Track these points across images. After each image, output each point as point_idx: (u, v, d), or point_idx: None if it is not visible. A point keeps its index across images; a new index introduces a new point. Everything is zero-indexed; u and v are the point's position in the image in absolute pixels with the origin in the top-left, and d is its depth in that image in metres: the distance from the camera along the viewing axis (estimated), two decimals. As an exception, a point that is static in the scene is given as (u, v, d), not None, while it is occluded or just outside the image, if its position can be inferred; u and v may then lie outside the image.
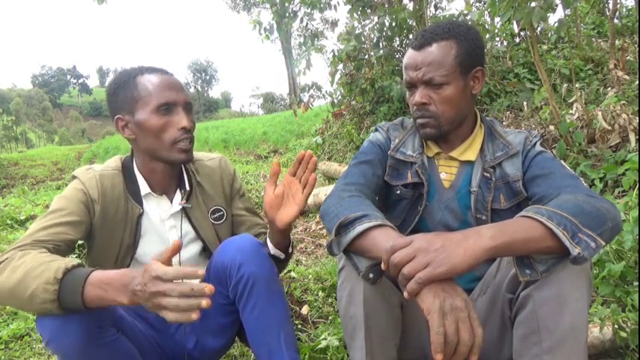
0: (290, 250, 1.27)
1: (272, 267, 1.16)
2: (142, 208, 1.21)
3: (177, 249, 0.88)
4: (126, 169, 1.23)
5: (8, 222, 4.10)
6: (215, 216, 1.31)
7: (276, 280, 1.16)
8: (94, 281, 0.88)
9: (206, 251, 1.30)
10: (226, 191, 1.35)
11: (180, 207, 1.25)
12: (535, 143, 1.15)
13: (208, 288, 0.83)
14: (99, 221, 1.16)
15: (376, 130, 1.31)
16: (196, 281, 0.85)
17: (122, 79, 1.17)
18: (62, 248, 1.06)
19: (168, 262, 0.87)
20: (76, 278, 0.88)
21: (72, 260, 0.92)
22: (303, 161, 1.16)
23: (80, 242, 1.23)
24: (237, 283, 1.12)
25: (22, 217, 4.21)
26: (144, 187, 1.22)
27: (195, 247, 1.29)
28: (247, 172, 6.26)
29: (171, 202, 1.26)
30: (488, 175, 1.15)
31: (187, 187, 1.27)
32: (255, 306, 1.11)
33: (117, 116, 1.18)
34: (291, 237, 1.28)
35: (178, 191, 1.27)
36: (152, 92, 1.14)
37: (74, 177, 1.20)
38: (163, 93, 1.14)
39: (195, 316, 0.83)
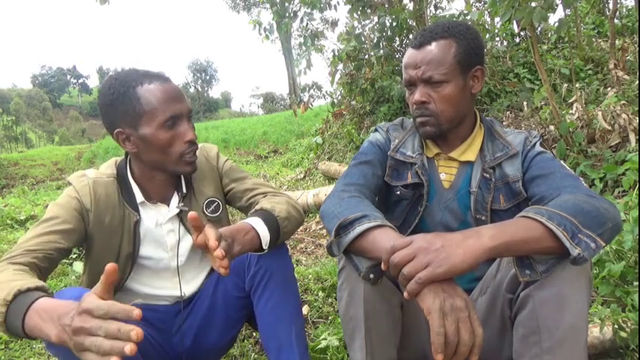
0: (266, 244, 1.09)
1: (289, 263, 1.17)
2: (139, 215, 1.19)
3: (110, 275, 0.74)
4: (120, 177, 1.21)
5: (8, 222, 4.10)
6: (211, 208, 1.28)
7: (292, 276, 1.18)
8: (38, 307, 0.81)
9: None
10: (215, 175, 1.31)
11: (178, 210, 1.23)
12: (535, 143, 1.15)
13: (135, 332, 0.71)
14: (94, 229, 1.15)
15: (376, 130, 1.31)
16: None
17: (119, 89, 1.10)
18: (54, 256, 1.05)
19: (106, 292, 0.75)
20: (24, 302, 0.82)
21: (34, 282, 0.87)
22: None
23: (80, 247, 1.22)
24: (254, 274, 1.13)
25: (22, 217, 4.21)
26: (138, 196, 1.20)
27: (195, 250, 1.27)
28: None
29: (169, 206, 1.24)
30: (487, 175, 1.15)
31: (184, 190, 1.25)
32: (270, 298, 1.12)
33: (117, 130, 1.12)
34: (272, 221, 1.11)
35: (176, 194, 1.25)
36: (157, 106, 1.09)
37: (69, 183, 1.19)
38: (169, 106, 1.10)
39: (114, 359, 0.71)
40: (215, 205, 1.29)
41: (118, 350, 0.71)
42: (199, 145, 1.35)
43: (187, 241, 1.26)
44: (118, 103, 1.10)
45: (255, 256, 1.12)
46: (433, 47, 1.10)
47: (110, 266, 0.74)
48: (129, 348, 0.71)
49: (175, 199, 1.25)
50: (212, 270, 1.32)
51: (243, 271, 1.15)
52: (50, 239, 1.05)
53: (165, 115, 1.10)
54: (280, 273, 1.13)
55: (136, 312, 0.73)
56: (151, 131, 1.10)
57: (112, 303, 0.74)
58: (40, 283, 0.88)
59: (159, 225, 1.22)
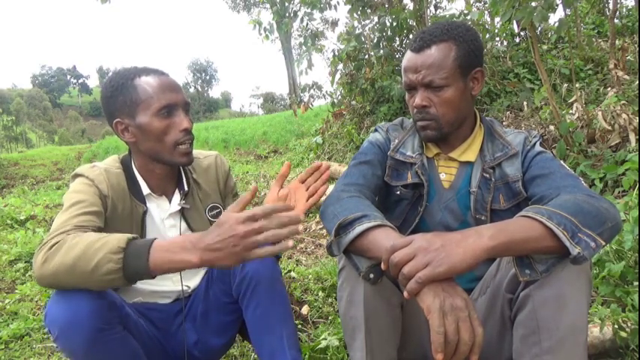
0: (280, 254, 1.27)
1: (275, 266, 1.16)
2: (146, 206, 1.22)
3: (254, 194, 0.95)
4: (126, 169, 1.23)
5: (8, 222, 4.10)
6: (213, 213, 1.31)
7: (279, 279, 1.17)
8: (159, 246, 0.90)
9: None
10: (221, 188, 1.36)
11: (179, 207, 1.25)
12: (535, 143, 1.15)
13: (301, 214, 0.93)
14: (110, 216, 1.16)
15: (376, 130, 1.31)
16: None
17: (119, 81, 1.15)
18: None
19: (243, 208, 0.92)
20: (141, 245, 0.90)
21: (129, 234, 0.93)
22: (318, 171, 1.18)
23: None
24: (240, 281, 1.13)
25: (22, 217, 4.21)
26: (144, 188, 1.22)
27: None
28: (247, 172, 6.27)
29: (170, 202, 1.26)
30: (487, 175, 1.15)
31: (186, 188, 1.27)
32: (258, 305, 1.12)
33: (116, 120, 1.16)
34: None
35: (177, 191, 1.27)
36: (152, 95, 1.13)
37: (78, 175, 1.18)
38: (164, 95, 1.13)
39: (291, 243, 0.88)
40: (217, 211, 1.33)
41: (294, 232, 0.88)
42: (214, 153, 1.39)
43: None
44: (117, 94, 1.14)
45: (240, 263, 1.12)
46: (433, 51, 1.10)
47: (254, 187, 0.95)
48: (301, 227, 0.89)
49: (177, 195, 1.27)
50: (210, 269, 1.32)
51: (228, 278, 1.15)
52: (89, 219, 1.06)
53: (161, 103, 1.13)
54: (266, 278, 1.12)
55: (291, 204, 0.96)
56: (147, 119, 1.13)
57: (270, 205, 0.91)
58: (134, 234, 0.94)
59: (161, 220, 1.24)
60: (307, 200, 1.16)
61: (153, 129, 1.13)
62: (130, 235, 0.92)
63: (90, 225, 1.04)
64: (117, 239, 0.90)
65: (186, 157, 1.18)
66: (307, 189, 1.17)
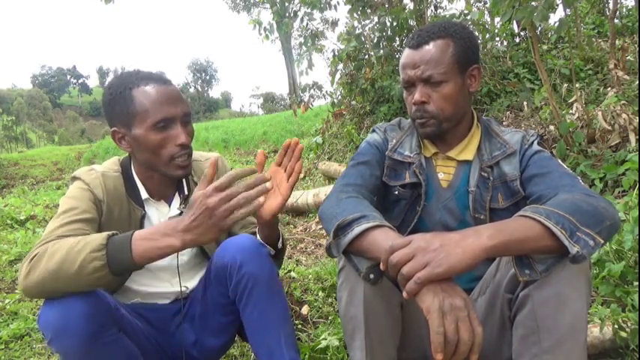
0: (280, 244, 1.24)
1: (272, 267, 1.15)
2: (144, 210, 1.21)
3: (214, 167, 0.94)
4: (125, 173, 1.22)
5: (8, 222, 4.10)
6: None
7: (276, 280, 1.16)
8: (140, 236, 0.91)
9: (203, 253, 1.30)
10: None
11: (179, 212, 1.24)
12: (532, 142, 1.15)
13: (268, 173, 0.95)
14: (105, 221, 1.15)
15: (373, 131, 1.31)
16: None
17: (117, 90, 1.13)
18: None
19: (208, 184, 0.92)
20: (121, 239, 0.92)
21: (107, 232, 0.94)
22: (289, 149, 1.14)
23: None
24: (237, 283, 1.12)
25: (22, 217, 4.21)
26: (143, 192, 1.22)
27: (193, 250, 1.29)
28: (247, 172, 6.26)
29: (170, 206, 1.25)
30: (485, 174, 1.15)
31: (186, 192, 1.26)
32: (255, 307, 1.11)
33: (113, 129, 1.15)
34: (288, 235, 1.28)
35: (177, 195, 1.26)
36: (149, 108, 1.10)
37: (75, 178, 1.18)
38: (161, 108, 1.10)
39: (262, 199, 0.90)
40: None
41: (263, 191, 0.90)
42: (216, 155, 1.36)
43: None
44: (115, 103, 1.13)
45: (237, 264, 1.10)
46: (431, 47, 1.11)
47: (212, 161, 0.97)
48: (269, 184, 0.91)
49: (177, 199, 1.26)
50: (207, 271, 1.32)
51: (225, 280, 1.14)
52: (77, 227, 1.06)
53: (156, 117, 1.10)
54: (263, 280, 1.11)
55: (253, 167, 0.98)
56: (142, 132, 1.11)
57: (231, 171, 0.91)
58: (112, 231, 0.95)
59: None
60: (288, 181, 1.13)
61: (148, 142, 1.11)
62: (108, 232, 0.93)
63: (76, 234, 1.03)
64: (96, 238, 0.91)
65: (183, 170, 1.15)
66: (285, 170, 1.15)
